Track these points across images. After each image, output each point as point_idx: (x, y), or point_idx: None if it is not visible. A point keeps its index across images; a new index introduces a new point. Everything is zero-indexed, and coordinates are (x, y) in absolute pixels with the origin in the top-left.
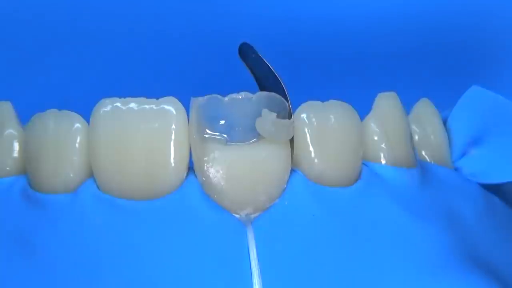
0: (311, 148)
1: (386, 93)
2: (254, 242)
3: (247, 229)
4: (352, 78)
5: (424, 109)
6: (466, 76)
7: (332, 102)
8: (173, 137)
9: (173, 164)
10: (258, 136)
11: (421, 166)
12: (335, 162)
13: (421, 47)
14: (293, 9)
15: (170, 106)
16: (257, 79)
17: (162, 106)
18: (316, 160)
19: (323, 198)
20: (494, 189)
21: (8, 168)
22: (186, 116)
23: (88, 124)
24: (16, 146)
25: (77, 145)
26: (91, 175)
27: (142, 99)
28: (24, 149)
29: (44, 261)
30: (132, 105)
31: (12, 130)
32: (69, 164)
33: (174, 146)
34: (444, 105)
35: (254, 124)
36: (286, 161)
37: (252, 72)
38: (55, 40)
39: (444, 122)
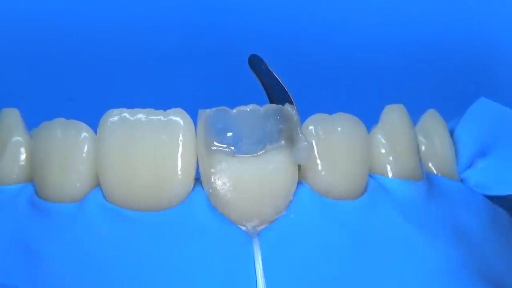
0: (318, 161)
1: (394, 106)
2: (260, 254)
3: (253, 241)
4: (359, 90)
5: (432, 120)
6: (473, 88)
7: (339, 114)
8: (180, 148)
9: (180, 176)
10: (265, 148)
11: (428, 179)
12: (342, 175)
13: (429, 59)
14: (302, 22)
15: (178, 118)
16: (266, 90)
17: (170, 117)
18: (323, 173)
19: (329, 211)
20: (499, 200)
21: (14, 176)
22: (194, 128)
23: (95, 133)
24: (23, 153)
25: (84, 154)
26: (97, 184)
27: (150, 110)
28: (31, 157)
29: (49, 270)
30: (140, 116)
31: (19, 137)
32: (76, 173)
33: (181, 158)
34: (451, 116)
35: (261, 137)
36: (293, 174)
37: (262, 83)
38: (64, 50)
39: (451, 133)
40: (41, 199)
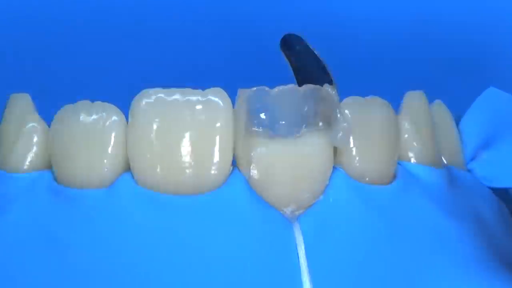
0: (352, 145)
1: (415, 92)
2: (301, 239)
3: (294, 225)
4: (361, 80)
5: (438, 111)
6: (480, 78)
7: (373, 98)
8: (219, 130)
9: (218, 158)
10: (303, 130)
11: (446, 167)
12: (376, 160)
13: (434, 49)
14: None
15: (217, 98)
16: (300, 72)
17: (208, 97)
18: (357, 158)
19: (365, 195)
20: (500, 194)
21: (30, 163)
22: (232, 109)
23: (124, 115)
24: (40, 140)
25: (112, 138)
26: (127, 169)
27: (187, 90)
28: (51, 143)
29: (78, 261)
30: (177, 96)
31: (34, 123)
32: (104, 157)
33: (219, 140)
34: (457, 107)
35: (299, 118)
36: (329, 157)
37: (294, 65)
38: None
39: (457, 124)
40: (65, 186)
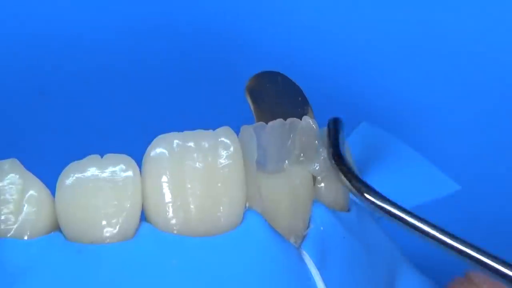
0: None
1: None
2: (314, 267)
3: (304, 256)
4: None
5: None
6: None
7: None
8: (233, 170)
9: (235, 197)
10: (289, 164)
11: None
12: (342, 188)
13: None
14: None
15: (228, 139)
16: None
17: (220, 139)
18: (326, 188)
19: (342, 222)
20: None
21: (39, 228)
22: (240, 147)
23: (137, 164)
24: (44, 204)
25: (129, 191)
26: (144, 218)
27: (198, 132)
28: (60, 202)
29: None
30: (189, 141)
31: (35, 188)
32: (123, 211)
33: (234, 179)
34: None
35: (283, 153)
36: (312, 187)
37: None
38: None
39: None
40: (86, 244)
